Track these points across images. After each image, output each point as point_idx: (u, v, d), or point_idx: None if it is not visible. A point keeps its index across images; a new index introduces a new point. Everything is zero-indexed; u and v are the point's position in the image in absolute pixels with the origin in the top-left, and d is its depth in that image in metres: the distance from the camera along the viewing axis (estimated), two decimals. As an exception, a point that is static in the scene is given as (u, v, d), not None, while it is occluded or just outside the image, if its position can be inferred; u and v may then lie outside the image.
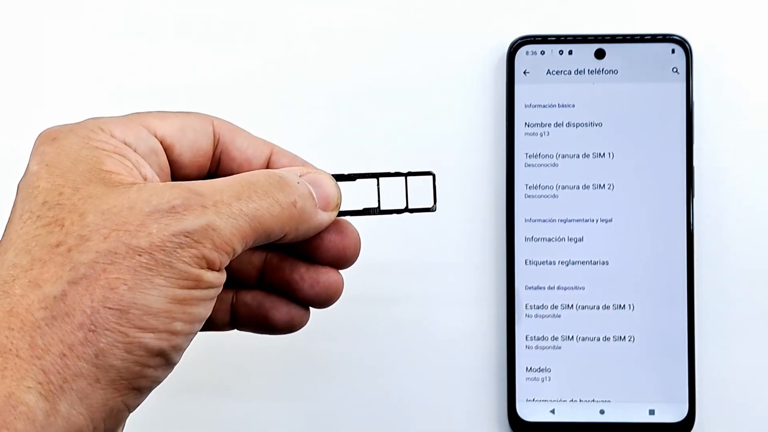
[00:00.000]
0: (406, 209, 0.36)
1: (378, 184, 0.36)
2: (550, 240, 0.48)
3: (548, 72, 0.49)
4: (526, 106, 0.49)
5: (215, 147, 0.35)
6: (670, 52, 0.48)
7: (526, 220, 0.48)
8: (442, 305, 0.49)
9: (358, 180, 0.36)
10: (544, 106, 0.48)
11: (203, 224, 0.29)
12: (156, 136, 0.33)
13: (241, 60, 0.50)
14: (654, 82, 0.48)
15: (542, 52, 0.49)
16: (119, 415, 0.29)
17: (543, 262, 0.48)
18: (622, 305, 0.48)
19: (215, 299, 0.31)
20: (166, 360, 0.29)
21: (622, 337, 0.48)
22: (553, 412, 0.48)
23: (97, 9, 0.50)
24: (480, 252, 0.49)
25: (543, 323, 0.48)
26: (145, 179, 0.32)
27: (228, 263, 0.31)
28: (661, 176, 0.48)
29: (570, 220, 0.48)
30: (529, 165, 0.48)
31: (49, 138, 0.31)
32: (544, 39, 0.49)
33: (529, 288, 0.48)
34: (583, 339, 0.48)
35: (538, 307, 0.48)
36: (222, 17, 0.50)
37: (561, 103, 0.48)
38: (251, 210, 0.31)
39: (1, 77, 0.51)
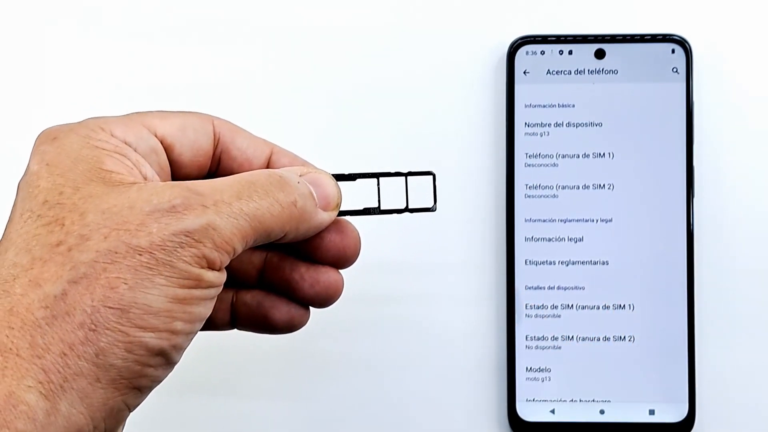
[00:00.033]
0: (406, 209, 0.36)
1: (378, 184, 0.36)
2: (550, 240, 0.48)
3: (548, 72, 0.49)
4: (526, 106, 0.49)
5: (215, 147, 0.35)
6: (670, 52, 0.48)
7: (526, 220, 0.48)
8: (442, 305, 0.49)
9: (358, 180, 0.36)
10: (544, 106, 0.48)
11: (203, 224, 0.29)
12: (156, 136, 0.33)
13: (241, 60, 0.50)
14: (654, 82, 0.48)
15: (542, 52, 0.49)
16: (119, 414, 0.29)
17: (543, 262, 0.48)
18: (622, 305, 0.48)
19: (215, 299, 0.31)
20: (166, 359, 0.29)
21: (622, 337, 0.48)
22: (553, 412, 0.48)
23: (97, 9, 0.50)
24: (480, 252, 0.49)
25: (543, 323, 0.48)
26: (145, 179, 0.32)
27: (228, 263, 0.31)
28: (661, 176, 0.48)
29: (570, 220, 0.48)
30: (529, 165, 0.48)
31: (49, 137, 0.31)
32: (544, 39, 0.49)
33: (529, 288, 0.48)
34: (583, 339, 0.48)
35: (538, 307, 0.48)
36: (222, 17, 0.50)
37: (561, 103, 0.48)
38: (251, 209, 0.31)
39: (1, 77, 0.51)
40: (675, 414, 0.47)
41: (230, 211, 0.30)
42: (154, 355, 0.29)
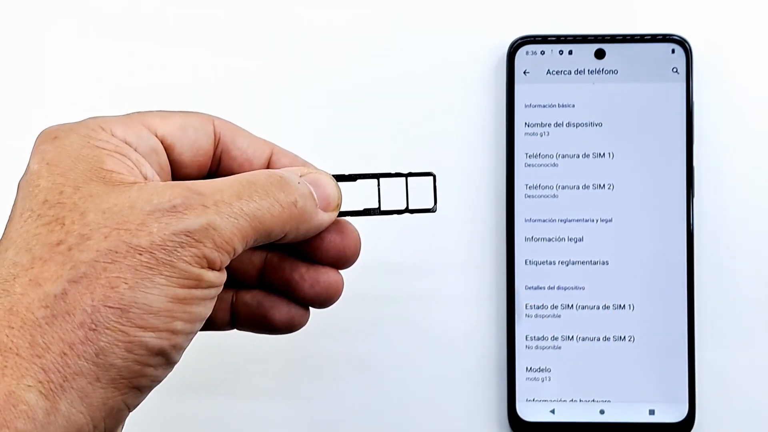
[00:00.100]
0: (407, 210, 0.36)
1: (378, 185, 0.36)
2: (550, 240, 0.48)
3: (548, 72, 0.49)
4: (526, 106, 0.49)
5: (216, 146, 0.35)
6: (670, 52, 0.48)
7: (526, 220, 0.48)
8: (442, 305, 0.49)
9: (358, 180, 0.36)
10: (544, 106, 0.49)
11: (204, 223, 0.29)
12: (157, 136, 0.33)
13: (241, 60, 0.50)
14: (654, 82, 0.48)
15: (542, 52, 0.49)
16: (119, 414, 0.29)
17: (543, 262, 0.48)
18: (622, 305, 0.48)
19: (216, 299, 0.31)
20: (166, 359, 0.29)
21: (622, 337, 0.48)
22: (553, 412, 0.48)
23: (97, 9, 0.50)
24: (480, 252, 0.49)
25: (543, 323, 0.48)
26: (145, 178, 0.32)
27: (228, 263, 0.31)
28: (661, 176, 0.48)
29: (570, 220, 0.48)
30: (529, 165, 0.48)
31: (49, 137, 0.31)
32: (544, 39, 0.49)
33: (529, 288, 0.48)
34: (583, 339, 0.48)
35: (538, 307, 0.48)
36: (222, 17, 0.50)
37: (561, 103, 0.48)
38: (252, 209, 0.31)
39: (1, 77, 0.51)
40: (675, 414, 0.47)
41: (230, 211, 0.30)
42: (154, 354, 0.29)
